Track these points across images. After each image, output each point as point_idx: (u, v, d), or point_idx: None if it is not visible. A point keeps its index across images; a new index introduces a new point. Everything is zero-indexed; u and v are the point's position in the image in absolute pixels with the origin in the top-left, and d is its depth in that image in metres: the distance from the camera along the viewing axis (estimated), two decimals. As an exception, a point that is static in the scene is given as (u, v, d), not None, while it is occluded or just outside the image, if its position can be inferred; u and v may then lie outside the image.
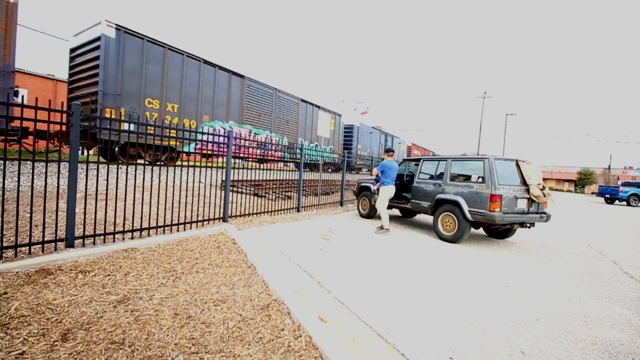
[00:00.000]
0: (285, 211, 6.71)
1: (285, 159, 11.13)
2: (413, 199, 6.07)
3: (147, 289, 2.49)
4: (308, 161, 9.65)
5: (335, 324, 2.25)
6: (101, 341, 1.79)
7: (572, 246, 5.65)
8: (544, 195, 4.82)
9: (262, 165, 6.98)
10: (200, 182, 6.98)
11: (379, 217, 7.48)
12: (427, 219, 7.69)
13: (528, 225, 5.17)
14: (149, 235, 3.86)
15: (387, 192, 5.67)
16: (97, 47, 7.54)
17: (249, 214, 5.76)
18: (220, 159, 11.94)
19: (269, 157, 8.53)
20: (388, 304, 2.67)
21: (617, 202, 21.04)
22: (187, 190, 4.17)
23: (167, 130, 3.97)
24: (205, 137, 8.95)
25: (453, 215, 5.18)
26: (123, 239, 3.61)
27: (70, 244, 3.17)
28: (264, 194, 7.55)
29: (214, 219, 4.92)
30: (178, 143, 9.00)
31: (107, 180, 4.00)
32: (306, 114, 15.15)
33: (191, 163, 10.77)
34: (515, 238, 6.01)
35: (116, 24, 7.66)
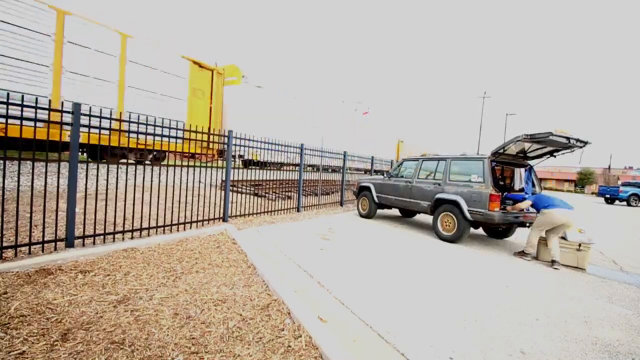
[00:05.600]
0: (285, 211, 6.70)
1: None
2: (412, 199, 6.07)
3: (147, 289, 2.49)
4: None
5: (335, 324, 2.25)
6: (101, 341, 1.79)
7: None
8: None
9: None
10: (200, 182, 6.98)
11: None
12: (427, 218, 7.70)
13: (528, 225, 5.17)
14: (149, 235, 3.86)
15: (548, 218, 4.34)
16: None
17: (249, 214, 5.76)
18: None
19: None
20: (388, 304, 2.67)
21: (617, 202, 21.04)
22: (187, 190, 4.16)
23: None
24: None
25: (452, 215, 5.18)
26: (123, 238, 3.61)
27: (70, 244, 3.17)
28: (264, 194, 7.55)
29: (214, 219, 4.92)
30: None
31: (107, 180, 4.00)
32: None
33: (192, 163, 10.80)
34: (515, 238, 6.01)
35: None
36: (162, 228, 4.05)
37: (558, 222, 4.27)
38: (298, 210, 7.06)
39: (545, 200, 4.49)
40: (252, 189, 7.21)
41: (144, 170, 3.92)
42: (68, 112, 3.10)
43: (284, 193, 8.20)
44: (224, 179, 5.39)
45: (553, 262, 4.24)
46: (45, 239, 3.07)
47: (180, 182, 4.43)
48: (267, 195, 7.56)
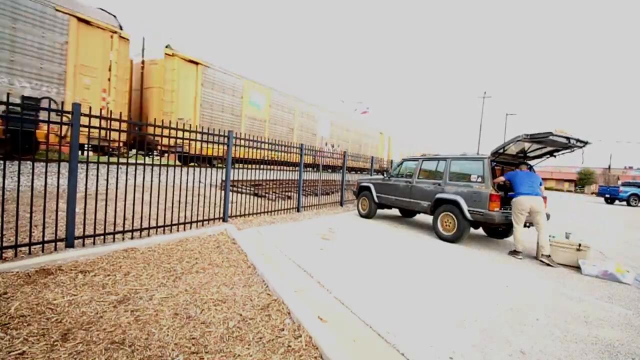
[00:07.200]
0: (285, 211, 6.70)
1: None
2: (412, 199, 6.07)
3: (147, 289, 2.49)
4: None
5: (335, 324, 2.25)
6: (101, 341, 1.79)
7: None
8: None
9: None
10: (200, 182, 6.98)
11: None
12: (427, 218, 7.69)
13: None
14: (149, 235, 3.86)
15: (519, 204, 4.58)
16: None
17: (249, 214, 5.75)
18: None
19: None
20: (388, 304, 2.67)
21: (617, 202, 21.04)
22: (187, 190, 4.16)
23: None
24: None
25: (452, 215, 5.18)
26: (123, 238, 3.61)
27: (70, 244, 3.17)
28: (264, 194, 7.55)
29: (214, 219, 4.92)
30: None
31: (107, 180, 4.00)
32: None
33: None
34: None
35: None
36: (162, 228, 4.05)
37: (526, 207, 4.50)
38: (298, 210, 7.06)
39: (517, 185, 4.63)
40: (252, 189, 7.21)
41: (144, 170, 3.92)
42: (68, 112, 3.10)
43: (284, 193, 8.19)
44: (224, 179, 5.38)
45: (546, 256, 4.38)
46: (45, 239, 3.07)
47: (180, 182, 4.43)
48: (267, 195, 7.56)
